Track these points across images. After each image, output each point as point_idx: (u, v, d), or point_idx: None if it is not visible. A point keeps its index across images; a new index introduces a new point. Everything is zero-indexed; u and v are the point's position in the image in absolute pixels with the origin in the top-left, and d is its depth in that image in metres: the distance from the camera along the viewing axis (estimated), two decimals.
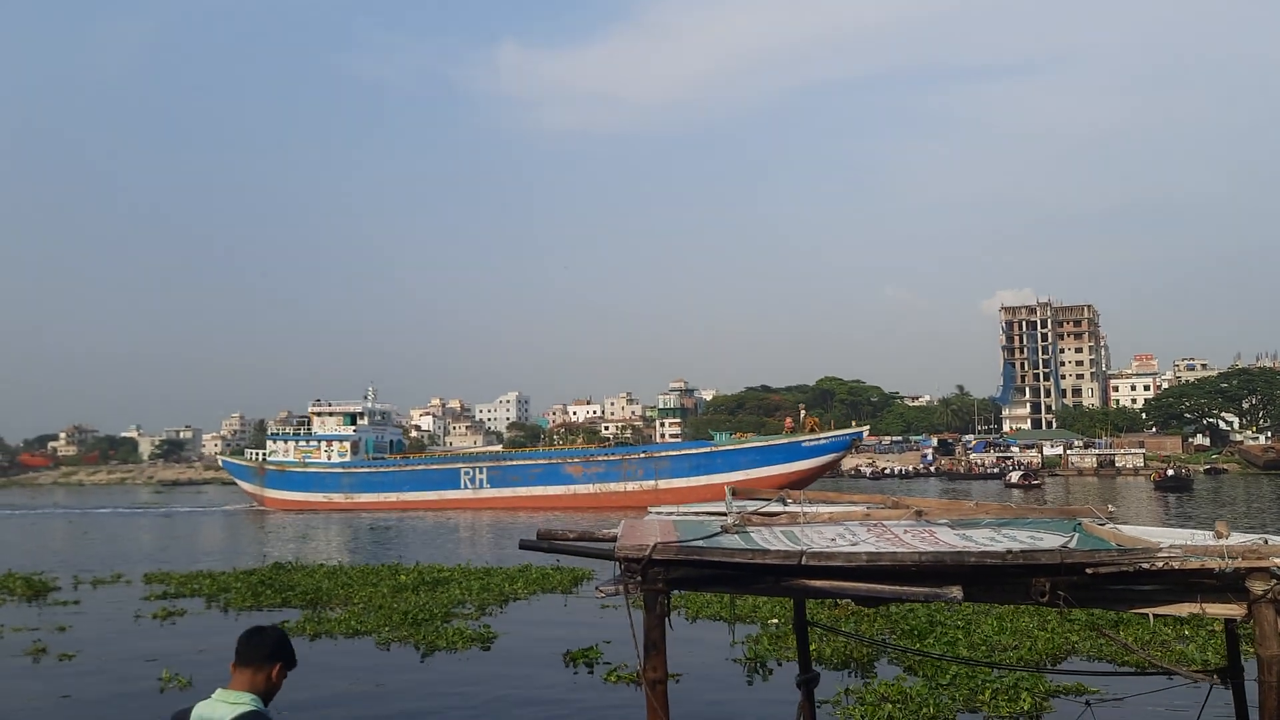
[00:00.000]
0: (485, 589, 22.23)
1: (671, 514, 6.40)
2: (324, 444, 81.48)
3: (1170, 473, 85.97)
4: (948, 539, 5.05)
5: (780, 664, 14.11)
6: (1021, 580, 4.44)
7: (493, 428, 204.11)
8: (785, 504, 6.53)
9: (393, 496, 75.70)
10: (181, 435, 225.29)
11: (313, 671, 13.53)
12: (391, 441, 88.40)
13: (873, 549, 4.54)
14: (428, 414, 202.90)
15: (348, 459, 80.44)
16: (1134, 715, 10.26)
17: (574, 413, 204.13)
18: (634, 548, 4.37)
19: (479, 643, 16.51)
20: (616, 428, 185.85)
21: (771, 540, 4.98)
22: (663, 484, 69.74)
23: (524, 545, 4.94)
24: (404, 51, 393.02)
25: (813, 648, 14.16)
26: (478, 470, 76.67)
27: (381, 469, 79.63)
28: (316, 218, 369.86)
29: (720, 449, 74.24)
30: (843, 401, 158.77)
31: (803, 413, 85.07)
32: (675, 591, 4.70)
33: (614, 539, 4.72)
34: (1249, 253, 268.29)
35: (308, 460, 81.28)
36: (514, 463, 78.29)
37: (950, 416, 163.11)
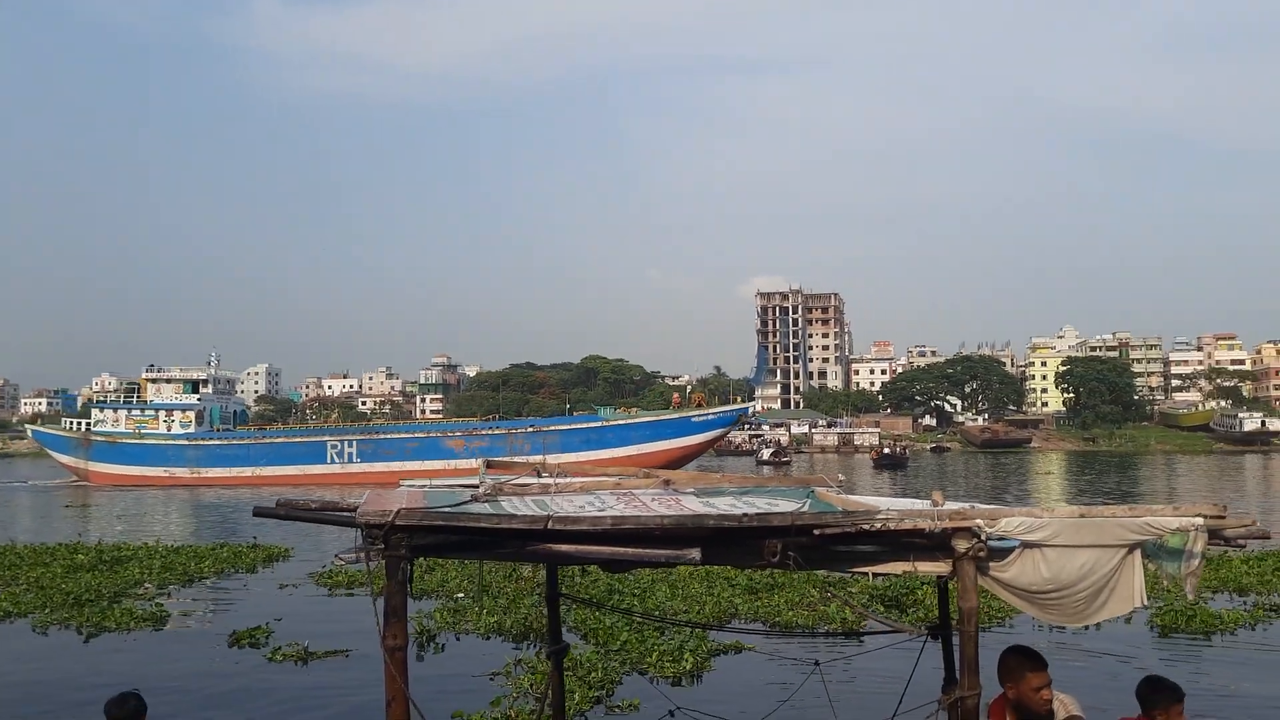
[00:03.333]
0: (168, 568, 21.37)
1: (424, 485, 6.31)
2: (163, 414, 73.55)
3: (886, 451, 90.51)
4: (692, 505, 5.21)
5: (458, 638, 14.33)
6: (756, 543, 4.65)
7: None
8: (540, 476, 6.57)
9: (248, 472, 68.80)
10: None
11: None
12: (236, 412, 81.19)
13: (618, 514, 4.63)
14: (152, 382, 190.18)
15: (192, 430, 72.67)
16: (858, 674, 11.05)
17: (329, 386, 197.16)
18: (376, 513, 4.27)
19: (151, 623, 15.94)
20: (375, 403, 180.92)
21: (521, 508, 4.99)
22: (551, 459, 65.98)
23: (258, 512, 4.71)
24: None
25: (494, 620, 14.66)
26: (345, 444, 70.92)
27: (234, 441, 72.42)
28: (42, 168, 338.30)
29: (611, 424, 72.38)
30: (606, 380, 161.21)
31: (689, 389, 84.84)
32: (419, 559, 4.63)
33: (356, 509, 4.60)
34: (977, 250, 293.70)
35: (143, 431, 72.93)
36: (388, 436, 72.64)
37: (707, 395, 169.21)
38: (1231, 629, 14.33)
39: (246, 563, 22.73)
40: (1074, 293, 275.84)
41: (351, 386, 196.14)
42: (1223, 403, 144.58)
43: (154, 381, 77.21)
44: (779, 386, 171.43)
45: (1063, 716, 5.00)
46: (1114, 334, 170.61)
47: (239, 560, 22.90)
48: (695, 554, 4.52)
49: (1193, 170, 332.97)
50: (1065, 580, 4.41)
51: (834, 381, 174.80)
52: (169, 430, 73.38)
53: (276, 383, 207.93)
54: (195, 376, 77.54)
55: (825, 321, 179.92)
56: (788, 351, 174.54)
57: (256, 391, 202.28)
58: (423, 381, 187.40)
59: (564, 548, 4.49)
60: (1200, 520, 4.36)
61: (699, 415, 74.71)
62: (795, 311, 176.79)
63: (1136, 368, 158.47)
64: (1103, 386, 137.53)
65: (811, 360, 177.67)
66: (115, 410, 76.26)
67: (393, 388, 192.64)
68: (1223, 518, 4.42)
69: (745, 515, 4.58)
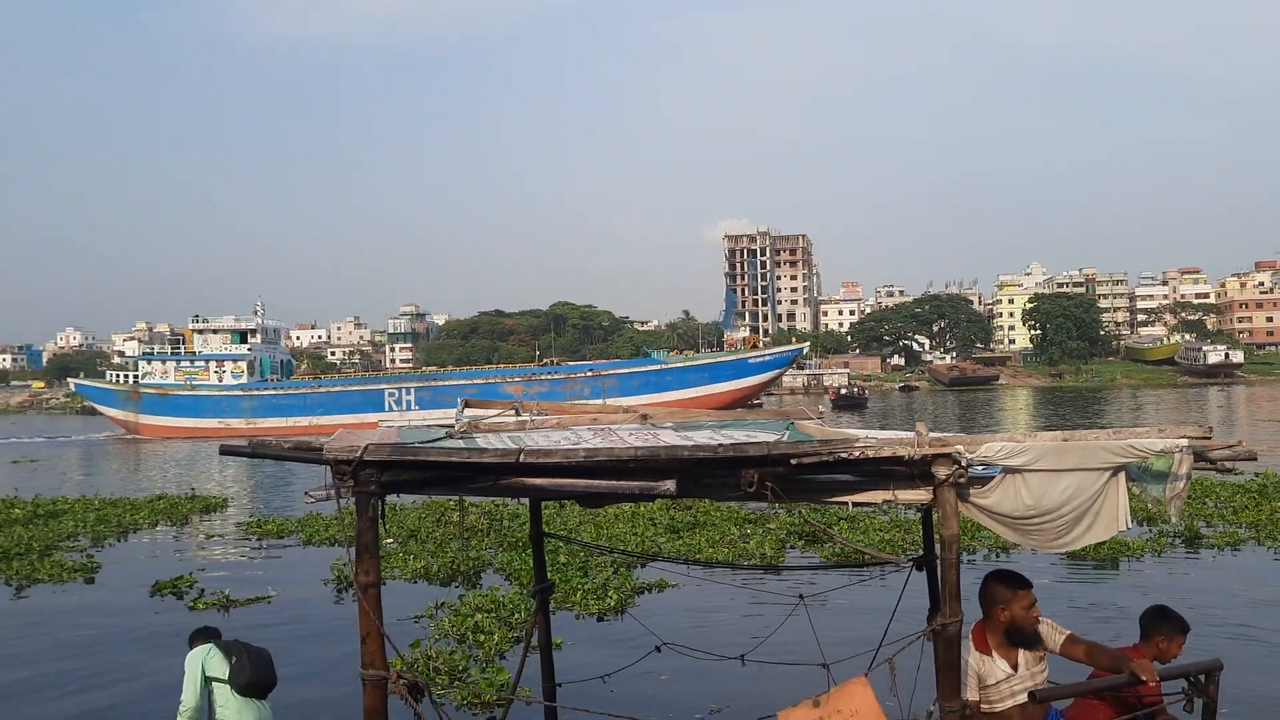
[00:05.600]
0: (102, 520, 21.44)
1: (400, 425, 6.18)
2: (213, 364, 72.15)
3: (843, 391, 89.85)
4: (669, 438, 5.10)
5: (384, 583, 14.37)
6: (732, 474, 4.55)
7: (206, 352, 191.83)
8: (518, 414, 6.44)
9: (304, 421, 66.92)
10: None
11: None
12: (283, 361, 79.66)
13: (592, 446, 4.51)
14: (132, 339, 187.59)
15: (244, 380, 71.34)
16: (844, 609, 11.12)
17: (297, 338, 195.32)
18: (344, 449, 4.14)
19: (82, 574, 16.07)
20: (344, 353, 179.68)
21: (495, 443, 4.87)
22: (610, 403, 65.10)
23: (224, 451, 4.58)
24: None
25: (420, 565, 14.79)
26: (404, 391, 69.75)
27: (290, 390, 71.14)
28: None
29: (670, 366, 71.87)
30: (575, 326, 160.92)
31: (745, 331, 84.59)
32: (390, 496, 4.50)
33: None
34: (944, 190, 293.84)
35: (195, 383, 71.60)
36: (445, 383, 71.06)
37: (677, 340, 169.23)
38: (1138, 555, 14.62)
39: (181, 513, 22.82)
40: (1041, 231, 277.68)
41: (320, 337, 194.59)
42: (1187, 336, 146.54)
43: (200, 332, 75.54)
44: (747, 329, 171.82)
45: (1045, 630, 5.04)
46: (1080, 270, 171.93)
47: (174, 511, 23.00)
48: (670, 486, 4.42)
49: (1154, 106, 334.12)
50: (1048, 505, 4.35)
51: (803, 323, 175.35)
52: (220, 381, 72.01)
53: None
54: (243, 326, 75.87)
55: (793, 264, 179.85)
56: (756, 294, 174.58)
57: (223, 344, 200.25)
58: (391, 330, 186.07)
59: (537, 481, 4.37)
60: (1185, 442, 4.29)
61: (756, 356, 74.88)
62: (763, 254, 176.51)
63: (1103, 303, 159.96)
64: (1069, 322, 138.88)
65: (780, 302, 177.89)
66: (164, 362, 74.63)
67: (361, 337, 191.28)
68: (1208, 439, 4.36)
69: (720, 446, 4.47)
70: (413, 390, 70.49)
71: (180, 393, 71.73)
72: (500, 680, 9.07)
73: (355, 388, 73.47)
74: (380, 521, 4.21)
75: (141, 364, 76.19)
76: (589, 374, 73.08)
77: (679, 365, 73.03)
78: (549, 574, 13.07)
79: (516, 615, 11.55)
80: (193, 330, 76.53)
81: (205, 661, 6.24)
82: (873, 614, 9.21)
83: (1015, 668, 5.01)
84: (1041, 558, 13.85)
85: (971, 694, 4.95)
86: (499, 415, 6.34)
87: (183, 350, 76.00)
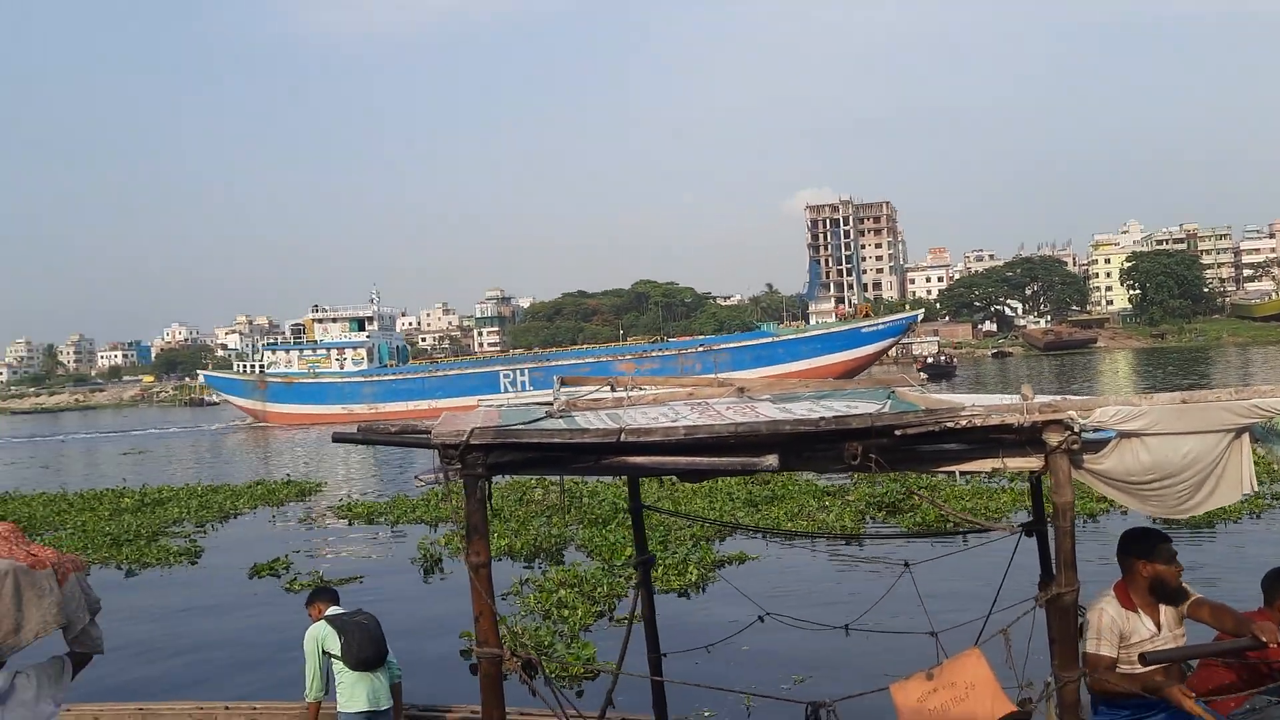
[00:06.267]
0: (205, 506, 22.21)
1: (500, 406, 6.26)
2: (334, 352, 74.54)
3: (930, 360, 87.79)
4: (767, 412, 5.07)
5: (456, 562, 14.68)
6: (835, 446, 4.48)
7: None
8: (614, 390, 6.46)
9: (424, 405, 68.05)
10: None
11: None
12: (399, 347, 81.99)
13: (691, 423, 4.50)
14: (234, 332, 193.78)
15: (364, 367, 73.67)
16: (946, 574, 10.96)
17: None
18: (450, 433, 4.20)
19: (187, 557, 16.81)
20: (434, 339, 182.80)
21: (594, 422, 4.89)
22: (723, 377, 65.47)
23: (337, 438, 4.71)
24: None
25: (504, 543, 14.95)
26: (518, 372, 70.90)
27: (410, 375, 73.12)
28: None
29: (782, 339, 71.85)
30: (658, 304, 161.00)
31: (855, 301, 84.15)
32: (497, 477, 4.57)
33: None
34: (1031, 151, 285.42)
35: (318, 371, 73.93)
36: (558, 363, 72.01)
37: (761, 314, 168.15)
38: (1235, 518, 14.07)
39: (278, 499, 23.52)
40: (1137, 186, 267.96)
41: (411, 324, 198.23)
42: None
43: (319, 321, 77.84)
44: (832, 300, 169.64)
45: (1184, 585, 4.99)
46: (1181, 225, 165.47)
47: (272, 497, 23.71)
48: (772, 460, 4.37)
49: (1248, 50, 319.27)
50: (1168, 469, 4.20)
51: (889, 292, 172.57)
52: (341, 368, 73.85)
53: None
54: (361, 314, 77.86)
55: (878, 231, 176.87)
56: (840, 264, 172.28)
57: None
58: (478, 315, 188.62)
59: (638, 460, 4.37)
60: None
61: (869, 325, 73.75)
62: (846, 223, 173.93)
63: (1206, 259, 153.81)
64: (1170, 280, 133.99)
65: (865, 272, 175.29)
66: (288, 351, 77.07)
67: (450, 323, 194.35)
68: None
69: (822, 419, 4.41)
70: (526, 371, 71.20)
71: (305, 381, 73.50)
72: (586, 655, 9.20)
73: (471, 370, 74.28)
74: (488, 503, 4.27)
75: (266, 354, 78.88)
76: (700, 349, 72.50)
77: (791, 338, 72.37)
78: (631, 549, 13.19)
79: (599, 590, 11.68)
80: (313, 320, 78.74)
81: (323, 640, 6.64)
82: (976, 582, 9.04)
83: (1159, 628, 4.93)
84: (1129, 521, 13.48)
85: (1109, 650, 4.88)
86: (595, 392, 6.36)
87: (304, 340, 78.28)
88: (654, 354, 71.46)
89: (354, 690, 6.59)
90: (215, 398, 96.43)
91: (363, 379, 72.88)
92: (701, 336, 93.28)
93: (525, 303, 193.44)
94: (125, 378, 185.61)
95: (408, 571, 14.73)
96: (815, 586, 11.72)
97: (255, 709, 7.49)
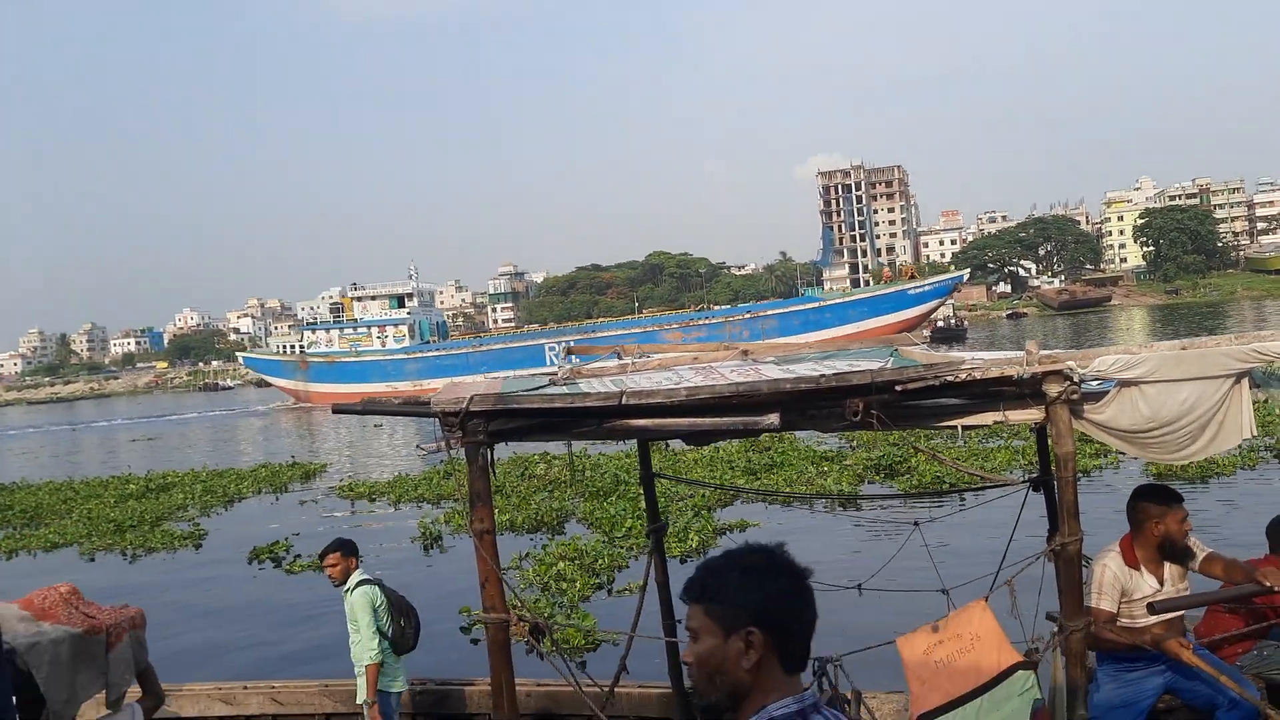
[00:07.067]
0: (209, 491, 22.35)
1: (504, 376, 6.31)
2: (375, 330, 74.04)
3: (940, 324, 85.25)
4: (770, 373, 5.08)
5: (457, 539, 14.78)
6: (836, 404, 4.50)
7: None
8: (620, 358, 6.48)
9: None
10: None
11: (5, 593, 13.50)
12: (438, 323, 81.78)
13: (693, 385, 4.53)
14: (246, 316, 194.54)
15: (406, 344, 73.12)
16: (957, 535, 11.00)
17: None
18: (451, 401, 4.23)
19: (191, 541, 16.99)
20: (448, 316, 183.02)
21: (597, 387, 4.92)
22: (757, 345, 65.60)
23: (337, 409, 4.75)
24: None
25: (505, 518, 15.05)
26: (563, 345, 70.50)
27: (453, 351, 72.42)
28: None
29: (829, 303, 71.63)
30: (672, 275, 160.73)
31: (897, 261, 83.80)
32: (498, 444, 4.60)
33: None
34: (1041, 112, 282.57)
35: (359, 349, 73.43)
36: (604, 334, 71.02)
37: (775, 282, 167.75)
38: (1229, 472, 14.04)
39: (281, 481, 23.67)
40: (1148, 143, 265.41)
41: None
42: None
43: (359, 299, 77.16)
44: (846, 266, 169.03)
45: (1194, 545, 4.99)
46: (1193, 180, 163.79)
47: (275, 479, 23.85)
48: (774, 419, 4.39)
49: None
50: (1167, 417, 4.20)
51: (903, 256, 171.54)
52: (383, 346, 73.36)
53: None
54: (400, 291, 77.18)
55: (890, 196, 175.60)
56: (853, 230, 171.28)
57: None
58: (492, 291, 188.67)
59: (640, 422, 4.40)
60: None
61: (915, 288, 73.61)
62: (858, 189, 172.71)
63: (1219, 213, 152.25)
64: (1184, 236, 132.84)
65: (879, 237, 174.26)
66: (328, 330, 76.51)
67: (463, 300, 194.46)
68: None
69: (822, 376, 4.43)
70: (572, 344, 70.77)
71: (347, 360, 72.87)
72: (586, 625, 9.29)
73: (515, 344, 73.83)
74: (491, 470, 4.30)
75: (306, 333, 78.58)
76: (747, 316, 72.03)
77: (838, 301, 72.30)
78: (632, 520, 13.25)
79: (600, 562, 11.79)
80: (352, 298, 77.96)
81: (378, 609, 6.39)
82: (986, 538, 9.07)
83: (1161, 584, 4.96)
84: (1125, 475, 13.51)
85: (1109, 605, 4.92)
86: (601, 361, 6.40)
87: (344, 319, 77.42)
88: (700, 323, 70.97)
89: (395, 670, 6.49)
90: (231, 382, 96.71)
91: (406, 356, 72.20)
92: (745, 305, 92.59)
93: (539, 278, 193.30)
94: (139, 364, 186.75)
95: (407, 549, 14.88)
96: (823, 550, 11.79)
97: (274, 688, 7.59)
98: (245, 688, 7.68)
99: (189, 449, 42.18)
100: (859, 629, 8.16)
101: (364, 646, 6.30)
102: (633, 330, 71.18)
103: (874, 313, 69.58)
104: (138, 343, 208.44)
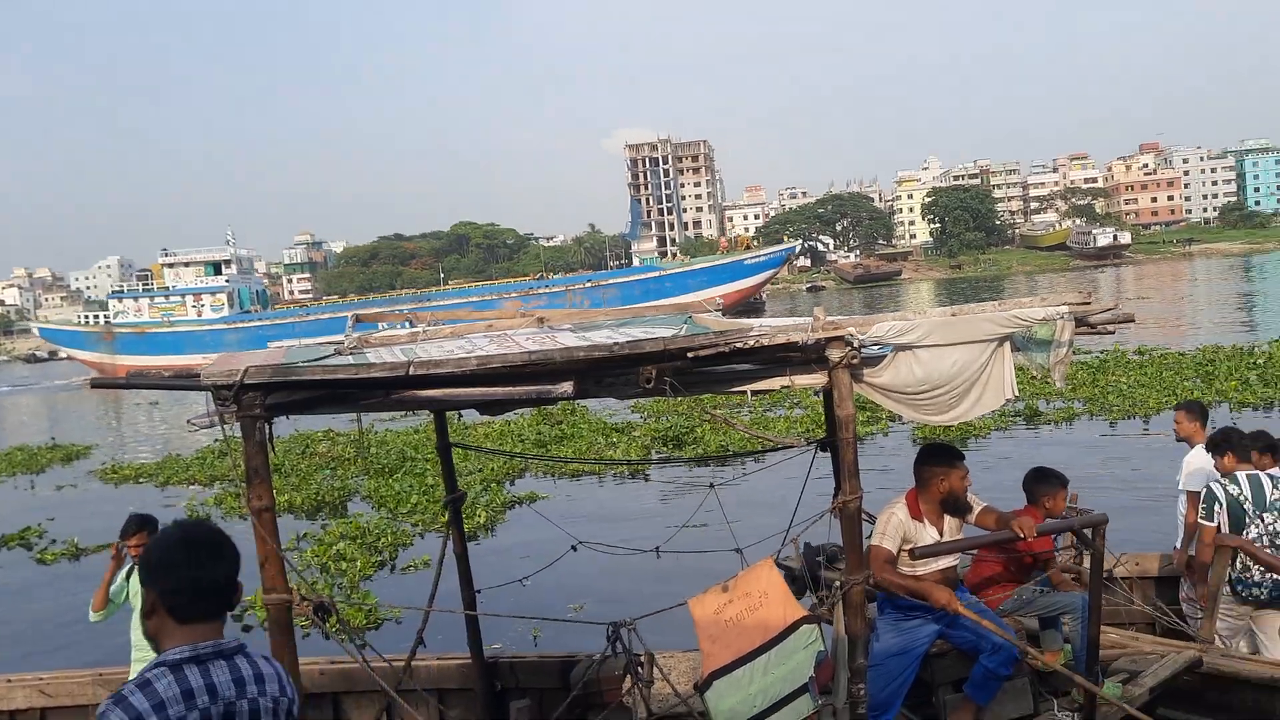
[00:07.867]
0: None
1: (290, 345, 6.01)
2: (190, 298, 68.07)
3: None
4: (566, 341, 5.05)
5: (243, 518, 14.44)
6: (630, 371, 4.52)
7: (94, 297, 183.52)
8: (412, 326, 6.31)
9: None
10: None
11: None
12: (258, 292, 76.10)
13: (485, 354, 4.44)
14: (12, 286, 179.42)
15: (225, 313, 67.60)
16: (753, 498, 11.34)
17: None
18: (223, 373, 3.98)
19: None
20: None
21: (385, 357, 4.75)
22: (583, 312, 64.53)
23: (95, 384, 4.40)
24: None
25: (284, 499, 14.74)
26: (351, 315, 66.39)
27: (278, 321, 67.15)
28: None
29: (668, 272, 71.56)
30: (479, 246, 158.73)
31: (734, 234, 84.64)
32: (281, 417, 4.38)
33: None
34: (841, 89, 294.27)
35: (173, 319, 67.46)
36: (438, 303, 66.63)
37: (584, 254, 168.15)
38: (985, 434, 15.29)
39: (39, 464, 22.28)
40: (937, 126, 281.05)
41: None
42: (1077, 221, 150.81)
43: (170, 266, 71.41)
44: (654, 239, 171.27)
45: (972, 500, 5.33)
46: (975, 162, 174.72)
47: (32, 462, 22.41)
48: (568, 387, 4.37)
49: None
50: (938, 379, 4.43)
51: (709, 230, 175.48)
52: (199, 315, 68.43)
53: (131, 274, 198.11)
54: (217, 258, 71.78)
55: (696, 170, 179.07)
56: (661, 203, 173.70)
57: (111, 285, 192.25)
58: (287, 261, 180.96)
59: (431, 393, 4.30)
60: (1065, 309, 4.40)
61: (751, 257, 75.55)
62: (665, 162, 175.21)
63: (997, 193, 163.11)
64: (966, 214, 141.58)
65: (685, 210, 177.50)
66: (136, 299, 70.62)
67: (257, 270, 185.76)
68: (1088, 304, 4.48)
69: (615, 344, 4.43)
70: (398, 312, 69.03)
71: (159, 330, 68.14)
72: (369, 604, 9.15)
73: (327, 316, 70.01)
74: (269, 445, 4.09)
75: (111, 303, 72.73)
76: (587, 285, 72.01)
77: (678, 271, 73.40)
78: (417, 497, 13.03)
79: (383, 540, 11.63)
80: (162, 265, 72.57)
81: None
82: (779, 500, 9.39)
83: (941, 535, 5.27)
84: (889, 440, 14.35)
85: (890, 545, 5.20)
86: (390, 329, 6.21)
87: (154, 286, 72.09)
88: (540, 291, 69.82)
89: None
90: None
91: (225, 325, 67.86)
92: (585, 274, 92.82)
93: (338, 248, 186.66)
94: None
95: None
96: (620, 517, 11.96)
97: (42, 679, 7.07)
98: (9, 681, 7.12)
99: None
100: (659, 591, 8.33)
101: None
102: (470, 299, 69.40)
103: (713, 282, 70.64)
104: None
